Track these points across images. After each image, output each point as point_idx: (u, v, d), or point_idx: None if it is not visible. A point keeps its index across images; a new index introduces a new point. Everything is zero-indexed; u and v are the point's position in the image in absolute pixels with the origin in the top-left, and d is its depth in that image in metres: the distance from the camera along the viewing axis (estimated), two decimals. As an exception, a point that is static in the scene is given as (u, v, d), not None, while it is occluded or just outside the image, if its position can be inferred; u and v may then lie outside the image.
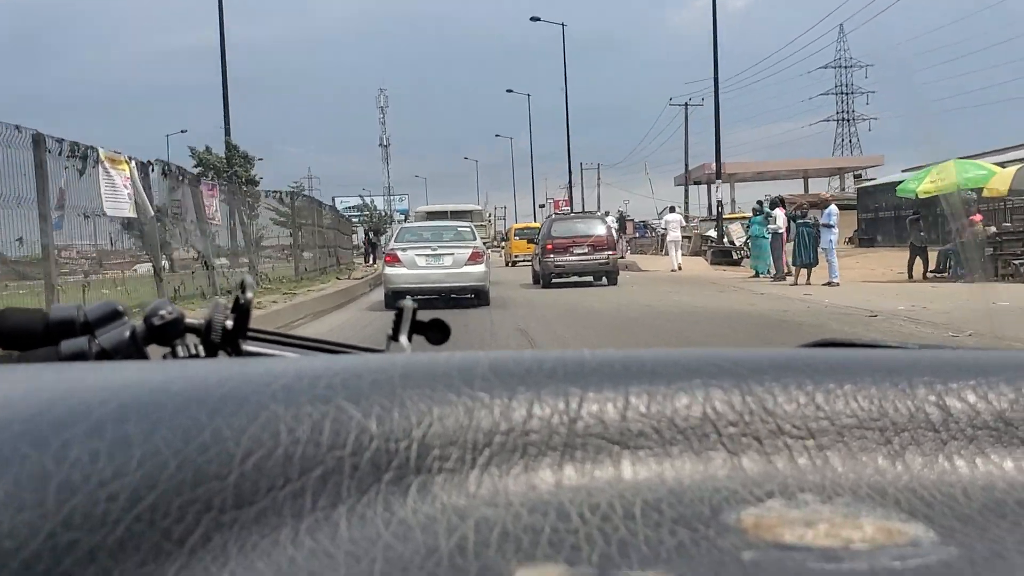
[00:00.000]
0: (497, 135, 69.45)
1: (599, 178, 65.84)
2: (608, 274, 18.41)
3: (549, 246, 18.34)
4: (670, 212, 26.39)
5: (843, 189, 46.48)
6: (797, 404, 0.45)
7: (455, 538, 0.37)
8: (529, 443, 0.42)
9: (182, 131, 56.31)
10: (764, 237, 19.34)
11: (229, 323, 0.74)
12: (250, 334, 0.76)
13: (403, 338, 0.81)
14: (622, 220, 34.04)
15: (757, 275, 19.42)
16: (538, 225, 27.93)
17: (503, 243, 39.53)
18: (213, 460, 0.37)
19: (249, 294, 0.74)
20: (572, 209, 42.78)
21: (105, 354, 0.71)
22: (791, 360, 0.49)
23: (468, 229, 15.46)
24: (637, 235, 43.17)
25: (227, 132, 26.00)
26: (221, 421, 0.39)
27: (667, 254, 26.87)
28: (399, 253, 14.20)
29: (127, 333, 0.72)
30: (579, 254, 18.31)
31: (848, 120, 78.69)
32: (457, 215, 27.83)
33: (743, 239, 29.06)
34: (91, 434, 0.38)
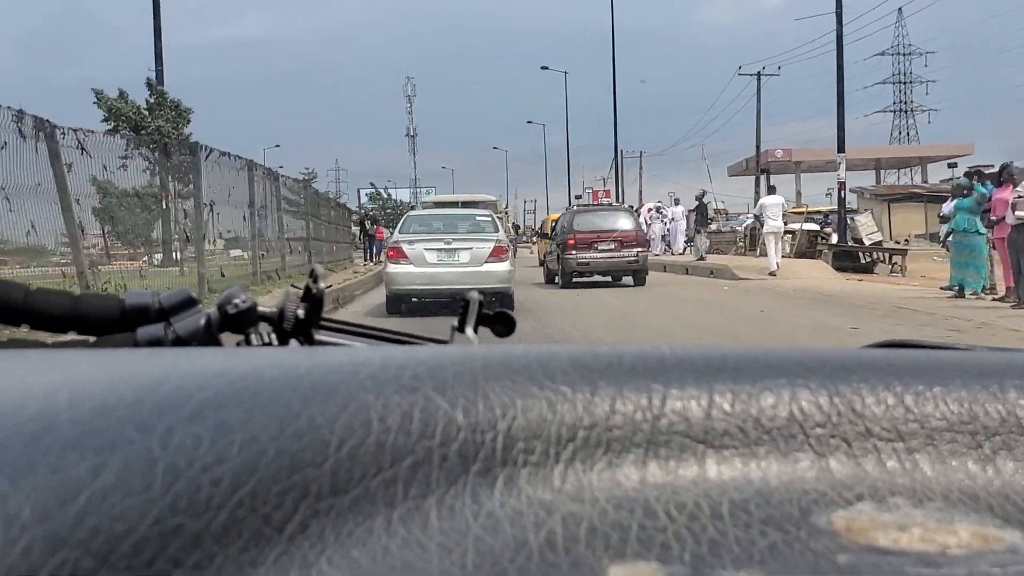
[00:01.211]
0: (529, 121, 66.10)
1: (641, 167, 60.84)
2: (636, 273, 16.94)
3: (571, 241, 16.78)
4: (769, 194, 19.67)
5: (925, 181, 41.06)
6: (886, 406, 0.45)
7: (543, 533, 0.38)
8: (612, 439, 0.42)
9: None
10: (978, 233, 12.51)
11: (301, 312, 0.76)
12: (322, 323, 0.78)
13: (469, 330, 0.83)
14: (702, 207, 25.70)
15: (961, 293, 12.62)
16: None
17: (534, 239, 35.35)
18: (308, 447, 0.38)
19: (322, 284, 0.75)
20: (618, 200, 38.61)
21: (181, 341, 0.72)
22: (878, 360, 0.49)
23: (489, 218, 13.13)
24: (727, 227, 33.96)
25: (159, 77, 22.03)
26: (315, 409, 0.40)
27: (760, 253, 21.28)
28: (404, 247, 11.86)
29: (202, 321, 0.74)
30: (605, 250, 16.76)
31: (906, 111, 74.35)
32: (469, 206, 22.21)
33: (874, 234, 24.12)
34: (192, 419, 0.38)
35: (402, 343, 0.81)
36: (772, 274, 17.54)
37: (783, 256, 19.30)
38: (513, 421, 0.42)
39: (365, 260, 28.38)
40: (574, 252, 16.64)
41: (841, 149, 21.60)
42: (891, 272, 19.46)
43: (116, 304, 0.76)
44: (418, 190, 72.48)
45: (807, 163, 41.07)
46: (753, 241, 25.44)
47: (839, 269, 19.13)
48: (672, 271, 22.16)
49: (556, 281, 17.45)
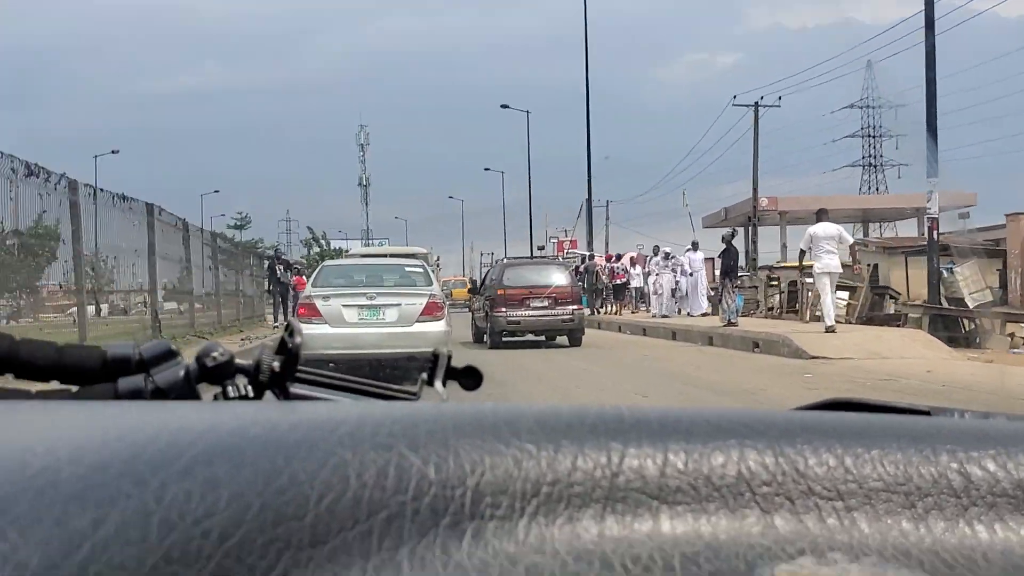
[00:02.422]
0: (487, 169, 63.80)
1: (608, 217, 57.75)
2: (571, 333, 16.04)
3: (501, 297, 15.88)
4: (818, 222, 14.26)
5: (939, 231, 35.54)
6: (827, 467, 0.49)
7: None
8: (573, 494, 0.46)
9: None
10: None
11: (277, 365, 0.78)
12: (297, 376, 0.80)
13: (438, 384, 0.87)
14: (731, 252, 18.25)
15: None
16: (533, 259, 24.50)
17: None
18: (290, 502, 0.42)
19: (297, 339, 0.78)
20: (589, 250, 36.05)
21: (160, 392, 0.75)
22: (823, 423, 0.53)
23: (420, 269, 11.74)
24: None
25: None
26: (296, 465, 0.44)
27: (808, 314, 16.47)
28: (318, 303, 10.43)
29: (181, 373, 0.77)
30: (538, 308, 15.84)
31: (874, 166, 73.24)
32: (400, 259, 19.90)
33: (980, 292, 17.16)
34: (184, 475, 0.42)
35: (375, 396, 0.83)
36: (830, 330, 13.28)
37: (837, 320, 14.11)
38: (481, 477, 0.45)
39: (276, 318, 22.44)
40: (504, 309, 15.74)
41: (932, 173, 15.74)
42: (1011, 348, 14.20)
43: (99, 355, 0.78)
44: (370, 242, 70.52)
45: (792, 213, 36.87)
46: (794, 298, 19.55)
47: (955, 344, 14.18)
48: (686, 339, 16.85)
49: (484, 340, 16.55)
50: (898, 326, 16.12)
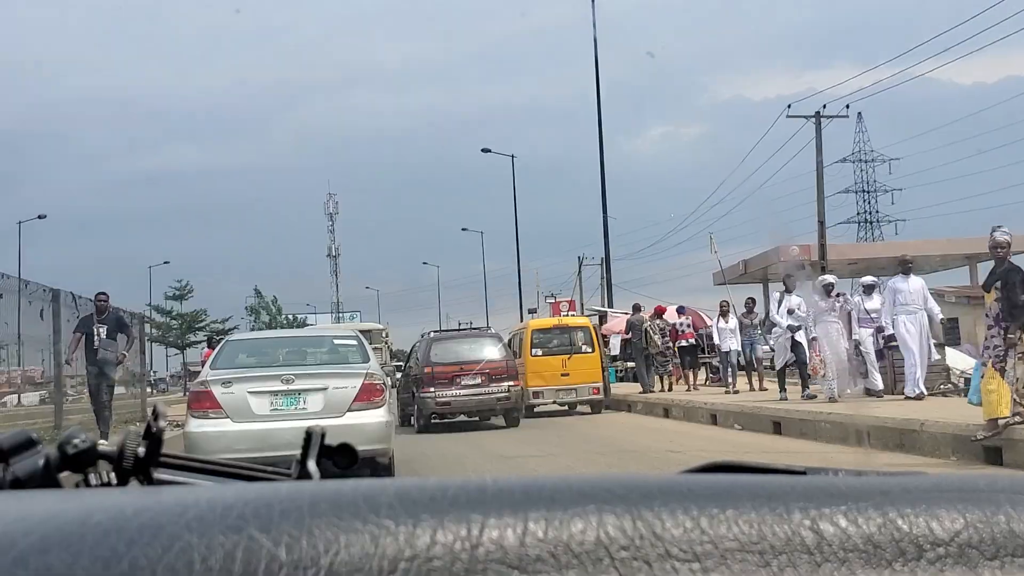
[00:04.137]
0: (464, 229, 61.36)
1: (605, 274, 53.79)
2: (508, 413, 15.13)
3: (428, 376, 14.95)
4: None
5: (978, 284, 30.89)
6: (684, 528, 0.51)
7: None
8: (432, 569, 0.46)
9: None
10: None
11: (141, 451, 0.78)
12: (162, 460, 0.81)
13: (311, 463, 0.87)
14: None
15: None
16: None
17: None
18: None
19: (162, 423, 0.79)
20: (585, 309, 33.30)
21: (19, 482, 0.76)
22: (679, 485, 0.55)
23: (353, 343, 9.51)
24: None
25: None
26: (138, 551, 0.44)
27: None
28: (217, 391, 8.07)
29: (40, 462, 0.77)
30: (469, 386, 14.91)
31: (870, 222, 71.24)
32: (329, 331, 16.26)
33: None
34: (16, 565, 0.43)
35: (243, 478, 0.83)
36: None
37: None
38: (336, 556, 0.45)
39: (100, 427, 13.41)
40: (432, 389, 14.83)
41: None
42: None
43: None
44: (341, 315, 67.71)
45: (832, 262, 30.23)
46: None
47: None
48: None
49: (412, 423, 15.56)
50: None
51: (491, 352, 15.46)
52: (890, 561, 0.51)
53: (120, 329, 12.21)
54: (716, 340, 17.01)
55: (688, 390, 17.92)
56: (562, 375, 17.09)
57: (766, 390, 15.34)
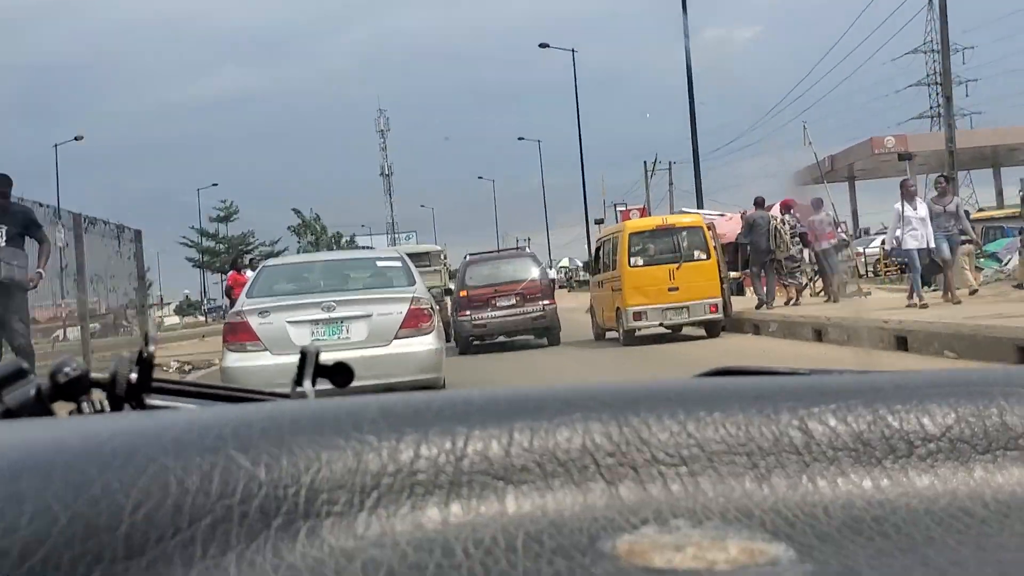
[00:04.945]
0: (520, 138, 59.79)
1: (671, 181, 51.87)
2: (547, 331, 15.21)
3: (464, 299, 15.09)
4: None
5: None
6: (670, 433, 0.51)
7: None
8: (416, 483, 0.47)
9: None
10: None
11: (133, 376, 0.79)
12: (155, 386, 0.81)
13: (307, 383, 0.86)
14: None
15: None
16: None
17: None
18: (103, 512, 0.42)
19: (151, 347, 0.79)
20: (649, 213, 31.33)
21: (10, 413, 0.76)
22: (667, 391, 0.56)
23: (398, 265, 8.79)
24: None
25: None
26: (111, 475, 0.44)
27: None
28: (254, 322, 7.55)
29: (32, 391, 0.77)
30: (504, 307, 14.99)
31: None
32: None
33: None
34: None
35: (236, 400, 0.82)
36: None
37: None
38: (317, 474, 0.45)
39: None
40: (468, 312, 15.05)
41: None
42: None
43: None
44: (397, 235, 67.33)
45: (922, 156, 27.96)
46: None
47: None
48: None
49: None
50: None
51: (526, 272, 15.60)
52: (880, 459, 0.51)
53: (27, 231, 8.69)
54: (898, 233, 12.81)
55: (827, 300, 15.22)
56: (669, 290, 13.27)
57: (959, 302, 12.10)
